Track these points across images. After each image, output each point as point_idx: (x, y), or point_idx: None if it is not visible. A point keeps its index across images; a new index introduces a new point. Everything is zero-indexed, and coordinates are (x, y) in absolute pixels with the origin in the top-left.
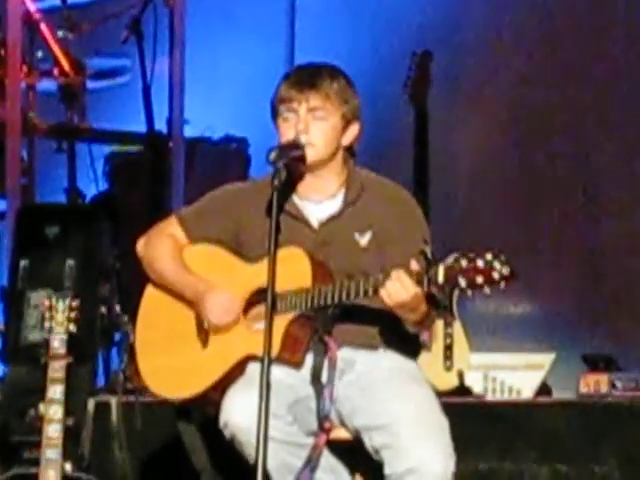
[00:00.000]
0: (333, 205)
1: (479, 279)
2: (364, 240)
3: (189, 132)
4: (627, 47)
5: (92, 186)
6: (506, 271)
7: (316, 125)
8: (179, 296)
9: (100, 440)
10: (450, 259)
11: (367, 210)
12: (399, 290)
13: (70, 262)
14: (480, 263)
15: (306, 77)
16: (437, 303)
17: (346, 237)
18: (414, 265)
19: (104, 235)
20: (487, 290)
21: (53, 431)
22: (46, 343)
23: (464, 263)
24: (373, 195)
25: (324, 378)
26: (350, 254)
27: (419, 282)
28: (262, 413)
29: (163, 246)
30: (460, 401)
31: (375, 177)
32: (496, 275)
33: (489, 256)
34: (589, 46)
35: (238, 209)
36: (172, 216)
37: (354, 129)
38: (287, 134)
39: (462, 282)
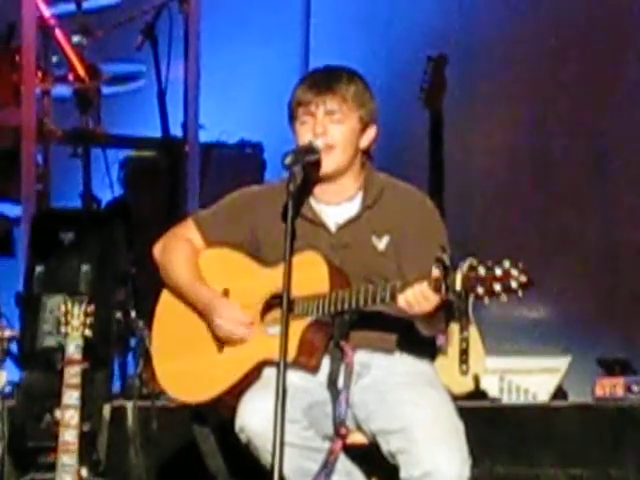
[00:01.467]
0: (351, 208)
1: (497, 287)
2: (382, 244)
3: (204, 137)
4: None
5: (107, 191)
6: (523, 279)
7: (333, 128)
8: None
9: (116, 445)
10: (466, 266)
11: (385, 214)
12: (422, 303)
13: (85, 267)
14: (498, 271)
15: (323, 80)
16: (453, 309)
17: (364, 241)
18: (435, 273)
19: (119, 240)
20: (504, 298)
21: (69, 436)
22: (62, 348)
23: (482, 271)
24: (391, 199)
25: (340, 383)
26: (368, 258)
27: (436, 289)
28: (278, 418)
29: (179, 253)
30: (476, 405)
31: (394, 181)
32: (514, 283)
33: (507, 264)
34: (606, 47)
35: (255, 213)
36: (189, 219)
37: (371, 132)
38: (304, 137)
39: (480, 290)
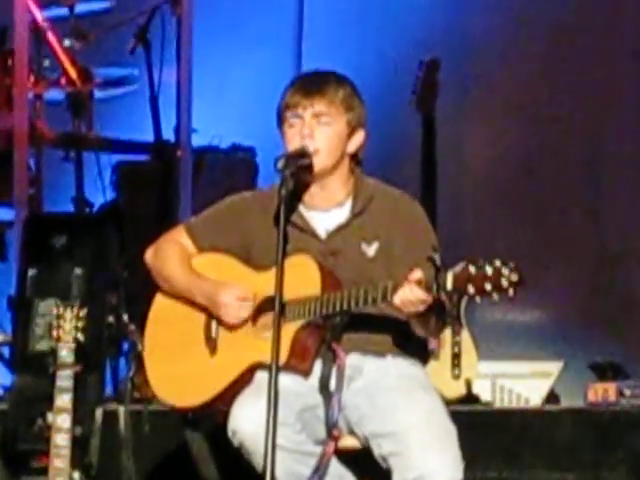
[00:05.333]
0: (340, 214)
1: (487, 286)
2: (371, 250)
3: (197, 141)
4: (636, 52)
5: (99, 195)
6: (514, 278)
7: (321, 130)
8: (191, 302)
9: (108, 449)
10: (458, 266)
11: (375, 220)
12: (415, 302)
13: (78, 271)
14: (488, 270)
15: (311, 83)
16: (445, 312)
17: (353, 247)
18: (418, 273)
19: (111, 244)
20: (495, 297)
21: (61, 440)
22: (54, 352)
23: (472, 270)
24: (381, 205)
25: (332, 386)
26: (357, 264)
27: (428, 289)
28: (270, 421)
29: (171, 253)
30: (468, 409)
31: (383, 187)
32: (504, 282)
33: (497, 263)
34: (597, 52)
35: (246, 218)
36: (180, 226)
37: (359, 136)
38: (292, 140)
39: (470, 289)
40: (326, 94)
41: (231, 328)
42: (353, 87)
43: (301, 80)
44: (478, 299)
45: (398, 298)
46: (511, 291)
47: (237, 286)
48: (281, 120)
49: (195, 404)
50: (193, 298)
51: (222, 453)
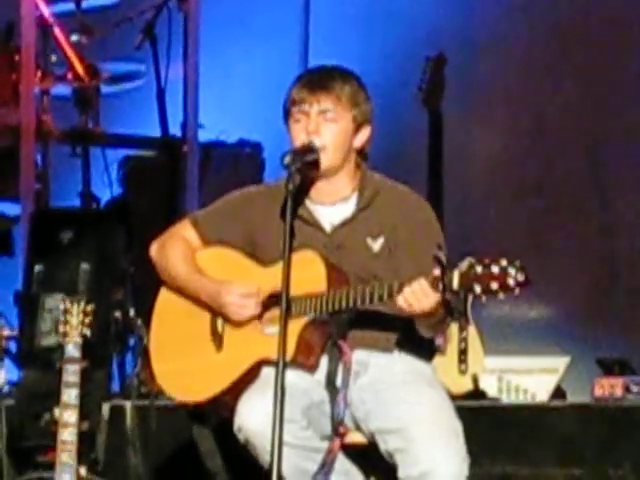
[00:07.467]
0: (346, 209)
1: (494, 285)
2: (376, 245)
3: (203, 136)
4: None
5: (106, 190)
6: (521, 277)
7: (327, 127)
8: (193, 299)
9: (115, 444)
10: (465, 265)
11: (380, 215)
12: (422, 300)
13: (84, 266)
14: (495, 269)
15: (318, 79)
16: (452, 309)
17: (358, 242)
18: (435, 271)
19: (118, 239)
20: (501, 296)
21: (68, 435)
22: (60, 347)
23: (479, 269)
24: (387, 200)
25: (338, 382)
26: (362, 259)
27: (434, 288)
28: (277, 418)
29: (176, 250)
30: (474, 405)
31: (389, 182)
32: (511, 281)
33: (504, 262)
34: (606, 48)
35: (252, 213)
36: (186, 219)
37: (365, 132)
38: (298, 135)
39: (477, 288)
40: (332, 91)
41: (237, 324)
42: (359, 82)
43: (307, 76)
44: (484, 298)
45: (402, 299)
46: (517, 290)
47: (239, 284)
48: (287, 115)
49: (201, 400)
50: (197, 297)
51: (229, 448)
